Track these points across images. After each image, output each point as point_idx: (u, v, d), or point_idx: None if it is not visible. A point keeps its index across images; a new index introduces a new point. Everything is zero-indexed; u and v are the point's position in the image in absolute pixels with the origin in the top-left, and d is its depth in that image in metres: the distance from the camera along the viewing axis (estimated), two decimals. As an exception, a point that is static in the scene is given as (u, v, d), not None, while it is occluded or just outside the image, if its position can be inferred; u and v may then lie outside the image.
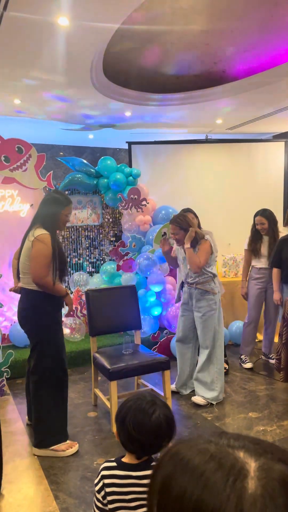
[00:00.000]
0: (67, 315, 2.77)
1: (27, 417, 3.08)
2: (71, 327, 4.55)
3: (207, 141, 5.98)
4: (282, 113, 5.20)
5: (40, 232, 2.58)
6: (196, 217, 3.89)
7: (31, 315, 2.65)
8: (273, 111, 5.10)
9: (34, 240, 2.56)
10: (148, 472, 1.35)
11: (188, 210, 3.91)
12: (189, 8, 3.09)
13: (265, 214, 4.01)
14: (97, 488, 1.36)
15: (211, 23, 3.31)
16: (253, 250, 4.06)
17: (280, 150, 5.93)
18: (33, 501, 2.22)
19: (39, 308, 2.64)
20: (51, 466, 2.54)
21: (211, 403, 3.28)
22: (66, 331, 4.53)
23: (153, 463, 1.37)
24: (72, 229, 5.28)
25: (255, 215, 4.06)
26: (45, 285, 2.57)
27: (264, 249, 4.04)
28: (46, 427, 2.66)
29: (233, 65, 4.00)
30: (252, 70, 4.01)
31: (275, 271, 3.83)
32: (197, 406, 3.26)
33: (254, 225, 4.07)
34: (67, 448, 2.66)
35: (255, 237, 4.07)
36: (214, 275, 3.34)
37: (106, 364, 2.93)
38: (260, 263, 4.07)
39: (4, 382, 3.58)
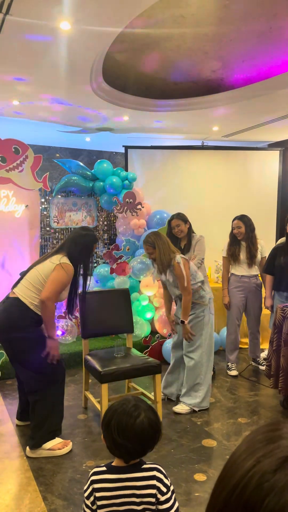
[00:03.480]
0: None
1: (17, 419, 3.08)
2: (63, 329, 4.55)
3: (203, 147, 6.03)
4: (278, 123, 5.26)
5: (66, 260, 2.71)
6: (187, 221, 3.88)
7: (15, 324, 2.66)
8: (269, 120, 5.16)
9: (58, 265, 2.67)
10: (138, 474, 1.35)
11: (177, 216, 3.90)
12: (189, 17, 3.13)
13: (243, 219, 4.06)
14: (86, 494, 1.35)
15: (210, 32, 3.35)
16: (232, 255, 4.08)
17: (275, 159, 6.00)
18: (21, 502, 2.22)
19: (23, 321, 2.67)
20: (40, 467, 2.54)
21: (193, 409, 3.27)
22: (58, 332, 4.53)
23: (144, 466, 1.38)
24: (67, 231, 5.29)
25: (233, 220, 4.11)
26: (49, 307, 2.65)
27: (242, 255, 4.07)
28: (47, 427, 2.68)
29: (231, 73, 4.06)
30: (249, 79, 4.06)
31: (267, 277, 3.88)
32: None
33: (232, 230, 4.11)
34: (62, 446, 2.71)
35: (234, 242, 4.11)
36: (202, 282, 3.32)
37: (97, 366, 2.94)
38: (241, 269, 4.09)
39: (-5, 383, 3.58)
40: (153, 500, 1.32)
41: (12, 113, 4.82)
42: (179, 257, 3.13)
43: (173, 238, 3.86)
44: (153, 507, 1.33)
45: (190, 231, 3.86)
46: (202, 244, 3.79)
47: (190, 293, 3.19)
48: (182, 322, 3.23)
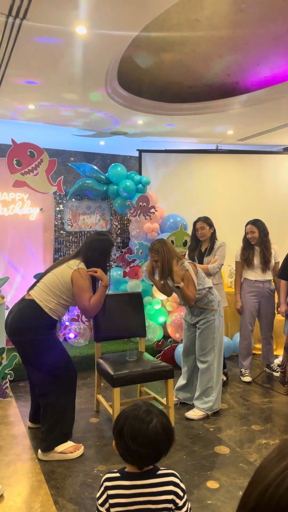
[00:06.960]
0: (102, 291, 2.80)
1: (29, 421, 3.08)
2: (76, 331, 4.55)
3: (217, 151, 6.00)
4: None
5: (83, 266, 2.75)
6: (212, 226, 3.87)
7: (29, 325, 2.66)
8: (284, 124, 5.12)
9: (75, 271, 2.69)
10: (154, 480, 1.33)
11: (204, 219, 3.87)
12: (204, 20, 3.13)
13: (256, 223, 4.02)
14: (100, 501, 1.32)
15: (225, 35, 3.34)
16: (245, 259, 4.04)
17: (290, 163, 5.94)
18: (32, 505, 2.22)
19: (36, 322, 2.68)
20: (52, 471, 2.54)
21: (207, 414, 3.25)
22: (70, 335, 4.54)
23: (159, 472, 1.36)
24: (80, 234, 5.31)
25: (246, 224, 4.07)
26: (93, 309, 2.74)
27: (256, 260, 4.02)
28: (58, 430, 2.67)
29: (246, 77, 4.04)
30: (264, 83, 4.03)
31: (282, 283, 3.82)
32: (200, 416, 3.25)
33: (245, 234, 4.08)
34: (74, 450, 2.70)
35: (247, 246, 4.07)
36: (210, 288, 3.30)
37: (109, 370, 2.93)
38: (255, 274, 4.04)
39: (7, 385, 3.59)
40: (170, 506, 1.31)
41: (27, 117, 4.87)
42: (187, 264, 3.16)
43: (196, 240, 3.88)
44: None
45: (214, 236, 3.86)
46: (223, 250, 3.81)
47: (195, 297, 3.20)
48: (177, 287, 3.16)
